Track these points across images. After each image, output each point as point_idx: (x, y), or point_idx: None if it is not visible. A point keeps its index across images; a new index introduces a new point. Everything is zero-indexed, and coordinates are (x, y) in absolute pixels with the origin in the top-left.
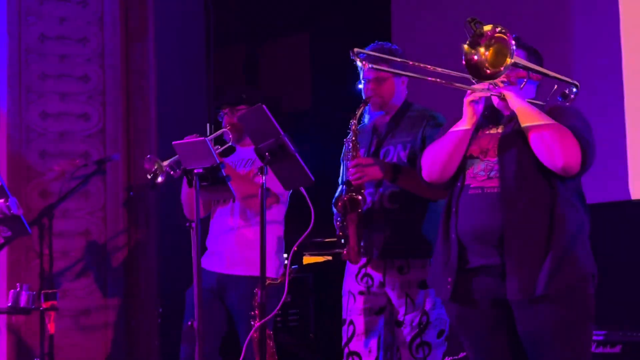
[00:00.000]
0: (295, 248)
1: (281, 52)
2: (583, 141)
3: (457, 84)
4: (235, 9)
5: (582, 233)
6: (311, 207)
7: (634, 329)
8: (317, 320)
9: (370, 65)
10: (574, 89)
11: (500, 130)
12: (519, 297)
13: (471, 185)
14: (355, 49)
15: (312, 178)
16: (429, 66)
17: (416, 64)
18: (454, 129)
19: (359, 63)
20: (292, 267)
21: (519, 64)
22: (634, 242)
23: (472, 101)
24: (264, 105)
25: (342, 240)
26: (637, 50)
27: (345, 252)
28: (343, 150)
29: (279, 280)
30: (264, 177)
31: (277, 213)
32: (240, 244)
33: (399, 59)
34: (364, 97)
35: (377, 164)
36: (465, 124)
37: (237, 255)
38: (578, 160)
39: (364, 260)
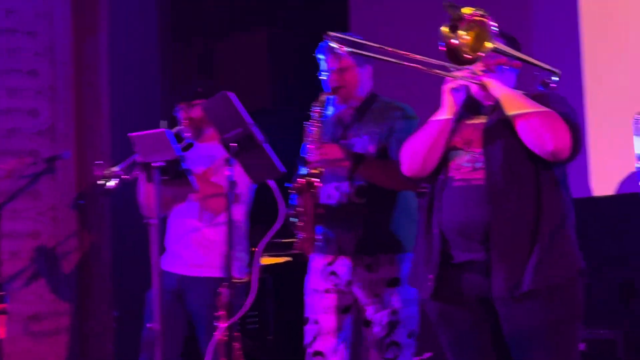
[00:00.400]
0: (261, 246)
1: (238, 48)
2: (572, 125)
3: (437, 71)
4: (191, 3)
5: (569, 226)
6: (280, 202)
7: (598, 326)
8: (276, 323)
9: (347, 49)
10: (555, 78)
11: (483, 120)
12: (504, 294)
13: (455, 178)
14: (331, 33)
15: (282, 169)
16: (406, 53)
17: (394, 50)
18: (433, 118)
19: (334, 45)
20: (258, 265)
21: (499, 49)
22: (596, 239)
23: (452, 89)
24: (229, 93)
25: (296, 227)
26: (597, 45)
27: (298, 241)
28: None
29: (245, 280)
30: (231, 169)
31: (237, 212)
32: (201, 244)
33: (376, 45)
34: (328, 89)
35: (339, 147)
36: (445, 114)
37: (198, 256)
38: (568, 144)
39: (330, 257)
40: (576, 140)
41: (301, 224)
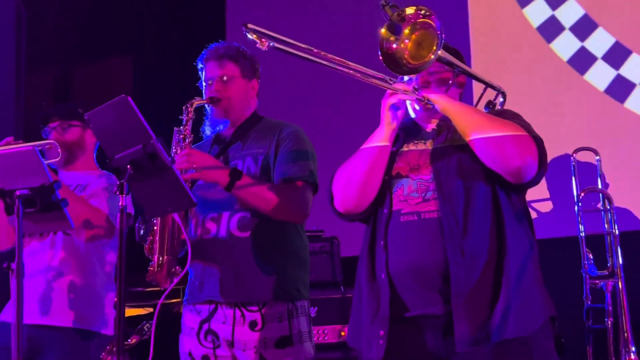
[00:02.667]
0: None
1: (99, 74)
2: (537, 140)
3: (376, 81)
4: (50, 29)
5: (535, 265)
6: (187, 239)
7: None
8: None
9: (271, 44)
10: (501, 98)
11: (428, 145)
12: (469, 348)
13: (402, 211)
14: (249, 25)
15: (195, 200)
16: (341, 59)
17: (324, 53)
18: (367, 144)
19: (251, 37)
20: (146, 323)
21: (445, 59)
22: None
23: (392, 105)
24: (129, 98)
25: (147, 248)
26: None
27: (150, 269)
28: (172, 144)
29: (133, 342)
30: (123, 198)
31: (109, 251)
32: (62, 287)
33: (303, 45)
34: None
35: (213, 161)
36: (381, 138)
37: (58, 301)
38: (535, 159)
39: (205, 312)
40: (543, 158)
41: (156, 245)
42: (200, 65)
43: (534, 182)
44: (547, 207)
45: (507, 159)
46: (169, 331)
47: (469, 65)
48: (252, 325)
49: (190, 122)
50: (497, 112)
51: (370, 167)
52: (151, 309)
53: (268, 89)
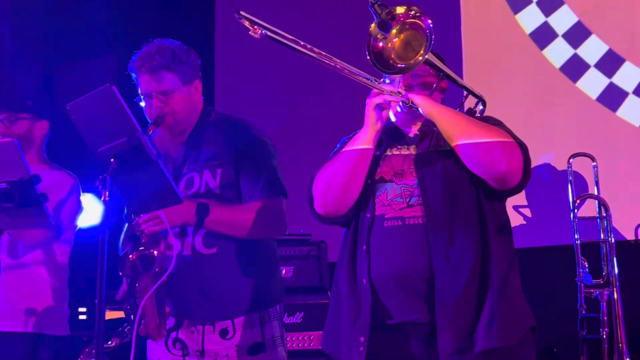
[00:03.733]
0: (146, 297)
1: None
2: (522, 146)
3: (362, 79)
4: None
5: (516, 275)
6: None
7: None
8: None
9: (264, 32)
10: (481, 106)
11: (412, 151)
12: (454, 357)
13: (386, 216)
14: (242, 12)
15: (181, 196)
16: (327, 55)
17: (311, 47)
18: (350, 147)
19: (246, 25)
20: (127, 325)
21: (431, 62)
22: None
23: (377, 105)
24: (114, 87)
25: (132, 317)
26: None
27: (142, 326)
28: None
29: (113, 344)
30: (106, 193)
31: (58, 252)
32: (9, 289)
33: (289, 35)
34: (150, 118)
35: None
36: (365, 140)
37: (5, 304)
38: (521, 165)
39: (172, 321)
40: (527, 164)
41: (142, 308)
42: (132, 75)
43: (518, 189)
44: (541, 214)
45: (493, 164)
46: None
47: (461, 71)
48: (223, 333)
49: None
50: (481, 119)
51: (353, 170)
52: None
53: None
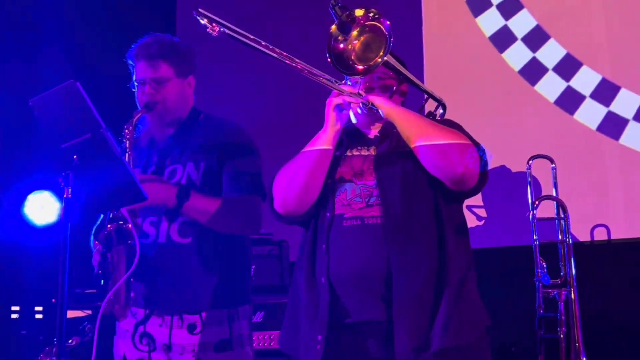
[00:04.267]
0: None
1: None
2: (478, 146)
3: (323, 80)
4: None
5: (473, 276)
6: (136, 238)
7: None
8: None
9: (222, 29)
10: (441, 110)
11: (372, 152)
12: (409, 356)
13: (345, 215)
14: (200, 9)
15: (145, 194)
16: (288, 55)
17: (273, 47)
18: (310, 147)
19: (202, 22)
20: (88, 324)
21: (391, 64)
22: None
23: (337, 105)
24: (78, 83)
25: (102, 283)
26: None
27: (108, 302)
28: None
29: (74, 343)
30: (68, 190)
31: None
32: None
33: (249, 35)
34: (140, 104)
35: (158, 182)
36: (324, 141)
37: None
38: (477, 166)
39: (141, 314)
40: (484, 166)
41: (110, 282)
42: (130, 63)
43: (475, 190)
44: (501, 215)
45: (451, 165)
46: (110, 333)
47: (422, 73)
48: (191, 328)
49: (131, 142)
50: (440, 122)
51: (312, 170)
52: (89, 311)
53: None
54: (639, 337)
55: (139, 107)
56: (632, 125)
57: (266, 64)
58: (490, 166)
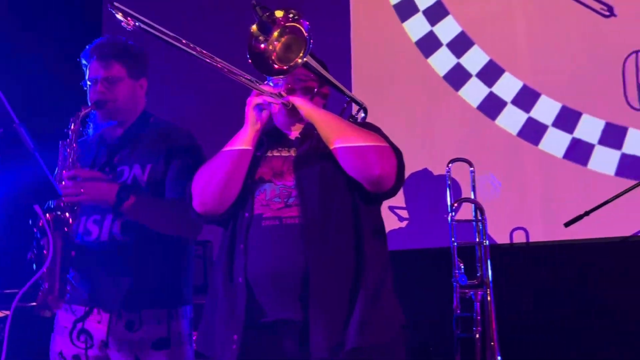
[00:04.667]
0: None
1: None
2: (397, 151)
3: (243, 79)
4: None
5: (390, 277)
6: (50, 235)
7: None
8: None
9: (137, 24)
10: (362, 114)
11: (292, 153)
12: (325, 354)
13: (264, 215)
14: (115, 3)
15: (60, 192)
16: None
17: (193, 45)
18: (229, 147)
19: (117, 16)
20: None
21: (311, 66)
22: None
23: (257, 104)
24: None
25: (35, 268)
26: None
27: (40, 294)
28: (58, 159)
29: None
30: None
31: None
32: None
33: (169, 32)
34: (90, 102)
35: (101, 180)
36: (244, 140)
37: None
38: (394, 169)
39: (81, 311)
40: (401, 169)
41: (45, 270)
42: (83, 62)
43: (392, 192)
44: (421, 217)
45: (368, 167)
46: (30, 334)
47: (350, 77)
48: (129, 325)
49: (76, 135)
50: (360, 124)
51: (231, 170)
52: (7, 312)
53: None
54: (552, 336)
55: (88, 104)
56: (551, 131)
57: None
58: (413, 169)
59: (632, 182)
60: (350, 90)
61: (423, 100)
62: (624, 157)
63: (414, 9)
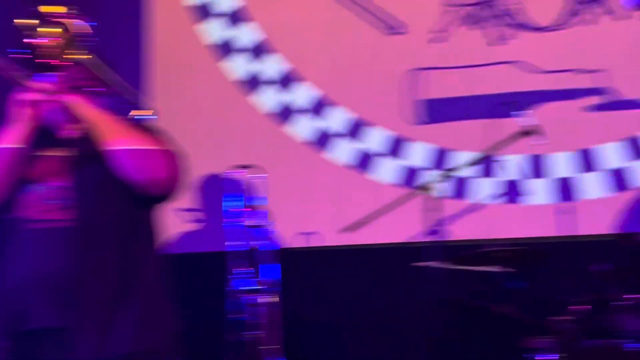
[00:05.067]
0: None
1: None
2: (174, 154)
3: (17, 75)
4: None
5: (163, 278)
6: None
7: None
8: None
9: None
10: (145, 115)
11: (66, 153)
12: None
13: (32, 218)
14: None
15: None
16: None
17: None
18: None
19: None
20: None
21: (88, 64)
22: None
23: (30, 102)
24: None
25: None
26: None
27: None
28: None
29: None
30: None
31: None
32: None
33: None
34: None
35: None
36: (15, 139)
37: None
38: (171, 173)
39: None
40: (178, 173)
41: None
42: None
43: (167, 196)
44: (209, 221)
45: (140, 170)
46: None
47: (139, 77)
48: None
49: None
50: (139, 127)
51: (4, 168)
52: None
53: None
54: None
55: None
56: (340, 140)
57: None
58: (202, 172)
59: (410, 191)
60: (143, 90)
61: (215, 105)
62: (402, 167)
63: (211, 12)
